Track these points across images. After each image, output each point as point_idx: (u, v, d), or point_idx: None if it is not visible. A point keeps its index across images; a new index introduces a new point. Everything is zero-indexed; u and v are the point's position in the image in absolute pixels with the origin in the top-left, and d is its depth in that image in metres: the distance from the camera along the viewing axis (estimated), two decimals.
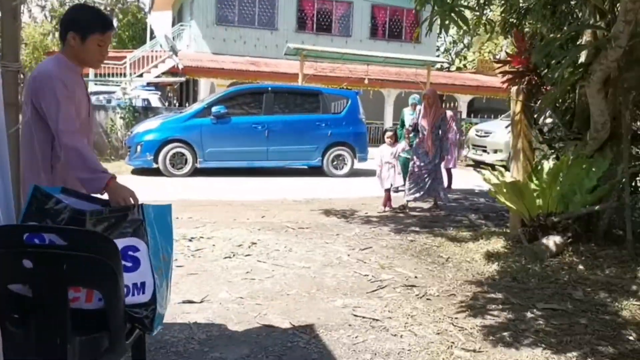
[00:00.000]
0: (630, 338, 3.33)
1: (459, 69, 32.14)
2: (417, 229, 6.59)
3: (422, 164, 7.65)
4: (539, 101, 5.99)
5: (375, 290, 4.28)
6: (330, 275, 4.61)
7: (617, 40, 4.31)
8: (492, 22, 8.24)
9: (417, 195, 7.71)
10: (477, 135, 14.12)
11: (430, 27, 4.69)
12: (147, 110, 14.72)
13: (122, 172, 10.99)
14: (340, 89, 15.27)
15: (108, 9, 38.86)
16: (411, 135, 8.18)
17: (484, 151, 13.72)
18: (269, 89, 11.84)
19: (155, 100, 16.95)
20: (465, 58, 33.92)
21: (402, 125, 9.78)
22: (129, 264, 2.23)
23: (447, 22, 4.35)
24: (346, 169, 11.85)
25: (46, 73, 2.51)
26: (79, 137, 2.50)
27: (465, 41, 38.43)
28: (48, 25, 34.26)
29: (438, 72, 23.99)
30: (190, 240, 5.58)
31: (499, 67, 6.87)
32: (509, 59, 6.29)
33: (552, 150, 6.13)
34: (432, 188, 7.69)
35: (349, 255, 5.27)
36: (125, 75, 18.91)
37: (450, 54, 38.12)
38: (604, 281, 4.41)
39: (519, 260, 5.06)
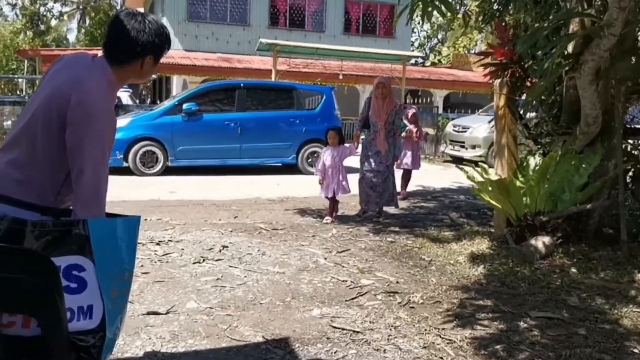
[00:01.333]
0: (635, 350, 3.07)
1: (433, 64, 32.06)
2: (397, 229, 6.31)
3: (372, 167, 6.69)
4: (524, 95, 5.75)
5: (355, 297, 3.98)
6: (307, 281, 4.31)
7: (611, 28, 4.06)
8: (469, 15, 8.02)
9: (372, 206, 6.85)
10: (454, 130, 13.95)
11: (411, 16, 4.40)
12: (117, 108, 14.20)
13: None
14: (314, 85, 14.94)
15: (81, 7, 38.09)
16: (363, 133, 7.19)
17: (462, 147, 13.54)
18: (242, 85, 11.47)
19: (125, 98, 16.47)
20: (439, 53, 33.87)
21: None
22: (73, 285, 1.90)
23: (429, 9, 4.06)
24: None
25: (98, 106, 1.95)
26: (104, 198, 2.01)
27: (440, 36, 38.48)
28: (19, 24, 33.35)
29: (413, 67, 23.80)
30: (157, 244, 5.22)
31: (478, 60, 6.64)
32: (490, 50, 6.05)
33: (539, 146, 5.89)
34: (385, 196, 6.80)
35: (325, 258, 4.97)
36: None
37: (424, 49, 38.08)
38: (599, 285, 4.17)
39: (506, 263, 4.81)
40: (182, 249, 5.07)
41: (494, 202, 5.41)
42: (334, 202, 6.65)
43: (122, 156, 10.32)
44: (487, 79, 6.08)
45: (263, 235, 5.76)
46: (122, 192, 8.24)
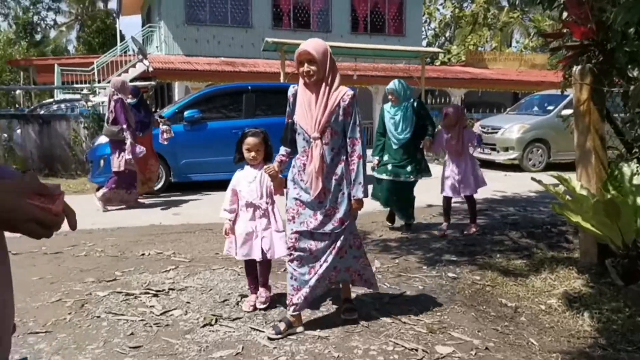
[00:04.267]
0: None
1: (443, 62, 30.81)
2: (453, 257, 5.09)
3: (311, 224, 3.33)
4: (617, 87, 4.54)
5: None
6: (361, 352, 3.09)
7: None
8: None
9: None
10: (483, 131, 12.69)
11: None
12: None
13: (86, 190, 9.41)
14: None
15: (79, 17, 37.14)
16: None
17: (493, 149, 12.30)
18: (249, 88, 10.20)
19: None
20: (449, 51, 32.60)
21: (382, 129, 6.08)
22: None
23: None
24: None
25: None
26: None
27: (447, 34, 37.23)
28: (11, 33, 32.38)
29: (428, 66, 22.57)
30: (155, 296, 4.02)
31: (547, 43, 5.41)
32: (564, 30, 4.84)
33: (637, 150, 4.64)
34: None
35: (377, 309, 3.76)
36: (93, 82, 17.56)
37: (436, 48, 36.84)
38: None
39: (620, 309, 3.59)
40: (188, 303, 3.87)
41: (587, 225, 4.16)
42: (252, 268, 3.88)
43: None
44: (561, 67, 4.88)
45: None
46: (117, 217, 7.06)
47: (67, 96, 16.84)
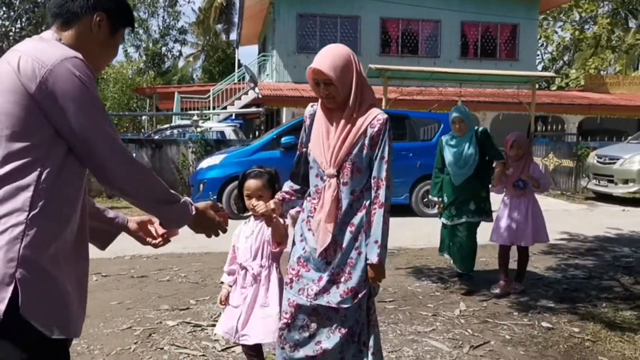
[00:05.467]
0: None
1: (560, 87, 29.25)
2: (552, 304, 4.57)
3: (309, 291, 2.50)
4: None
5: None
6: None
7: None
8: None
9: None
10: (599, 162, 11.75)
11: None
12: (220, 144, 13.45)
13: None
14: (429, 112, 13.33)
15: (205, 48, 39.51)
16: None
17: (610, 181, 11.32)
18: None
19: (229, 132, 15.75)
20: (567, 76, 30.92)
21: (440, 164, 5.16)
22: None
23: None
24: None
25: (71, 68, 1.51)
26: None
27: (566, 58, 35.43)
28: (141, 63, 34.68)
29: (540, 92, 21.44)
30: None
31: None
32: None
33: None
34: None
35: None
36: (209, 109, 18.41)
37: (549, 73, 35.15)
38: None
39: None
40: None
41: None
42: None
43: (215, 196, 9.31)
44: None
45: None
46: (209, 241, 7.11)
47: (183, 122, 17.66)
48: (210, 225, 1.86)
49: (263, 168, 2.82)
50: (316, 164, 2.47)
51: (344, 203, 2.42)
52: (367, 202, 2.44)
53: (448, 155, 4.98)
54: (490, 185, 5.03)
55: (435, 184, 5.18)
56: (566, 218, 9.36)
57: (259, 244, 2.76)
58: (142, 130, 23.42)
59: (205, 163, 10.26)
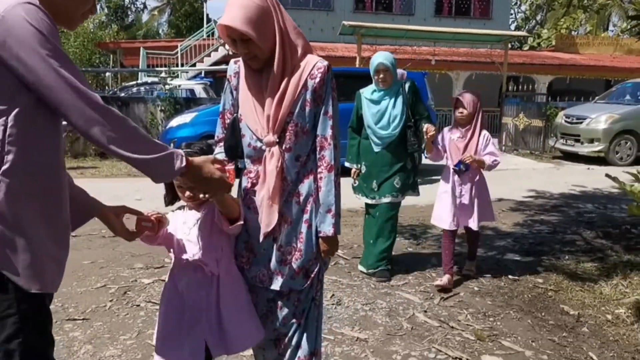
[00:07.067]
0: None
1: (532, 47, 29.38)
2: (518, 257, 4.78)
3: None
4: None
5: None
6: (400, 357, 2.92)
7: None
8: None
9: None
10: (567, 122, 11.98)
11: None
12: (190, 102, 13.29)
13: None
14: (403, 71, 13.36)
15: (170, 1, 38.33)
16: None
17: (577, 140, 11.59)
18: None
19: (199, 90, 15.56)
20: (539, 36, 31.04)
21: (356, 123, 4.36)
22: None
23: None
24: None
25: (22, 14, 1.38)
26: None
27: (538, 17, 35.53)
28: (102, 16, 33.65)
29: (512, 51, 21.56)
30: None
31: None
32: None
33: None
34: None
35: (425, 311, 3.56)
36: (177, 66, 18.05)
37: (522, 32, 35.24)
38: None
39: None
40: None
41: None
42: None
43: None
44: None
45: (340, 269, 4.41)
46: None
47: (149, 79, 17.34)
48: (208, 182, 1.68)
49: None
50: (249, 132, 2.03)
51: (291, 173, 2.02)
52: (314, 167, 2.06)
53: (367, 113, 4.18)
54: (422, 154, 4.31)
55: (351, 146, 4.35)
56: (534, 176, 9.60)
57: (207, 232, 2.01)
58: (107, 87, 22.89)
59: (175, 122, 10.15)
